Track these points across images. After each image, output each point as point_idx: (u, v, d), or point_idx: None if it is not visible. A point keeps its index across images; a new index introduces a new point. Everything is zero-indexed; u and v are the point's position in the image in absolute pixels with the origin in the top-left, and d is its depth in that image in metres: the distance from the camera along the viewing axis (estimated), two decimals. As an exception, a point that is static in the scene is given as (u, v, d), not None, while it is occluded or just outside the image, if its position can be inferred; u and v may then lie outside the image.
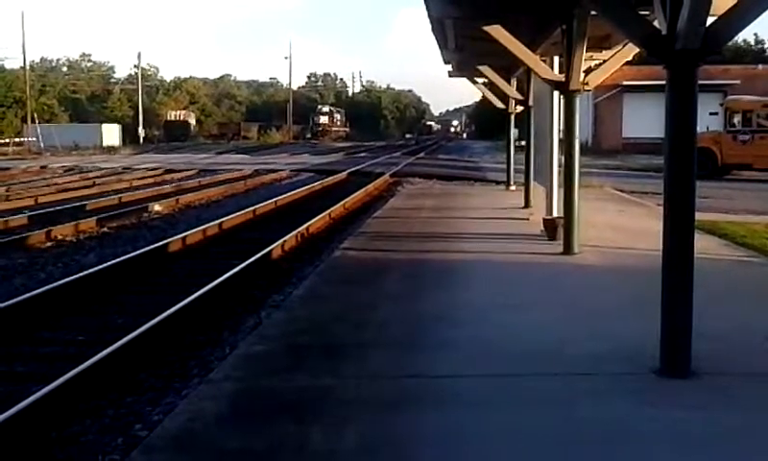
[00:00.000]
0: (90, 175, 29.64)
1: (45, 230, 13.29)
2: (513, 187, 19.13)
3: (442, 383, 5.09)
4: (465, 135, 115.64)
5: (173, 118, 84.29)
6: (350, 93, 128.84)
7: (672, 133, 5.05)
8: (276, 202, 18.36)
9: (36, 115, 64.96)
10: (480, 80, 19.18)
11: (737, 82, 40.69)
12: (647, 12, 6.11)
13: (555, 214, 10.98)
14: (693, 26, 4.74)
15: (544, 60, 11.19)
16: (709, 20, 4.87)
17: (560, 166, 10.80)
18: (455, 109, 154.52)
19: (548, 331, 6.24)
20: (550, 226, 10.78)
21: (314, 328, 6.40)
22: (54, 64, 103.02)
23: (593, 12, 8.31)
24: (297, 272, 10.31)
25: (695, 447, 4.10)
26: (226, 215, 15.33)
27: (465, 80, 19.36)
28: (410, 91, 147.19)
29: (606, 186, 20.06)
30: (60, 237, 13.15)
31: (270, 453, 4.05)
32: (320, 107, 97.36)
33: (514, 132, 19.95)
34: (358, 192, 20.59)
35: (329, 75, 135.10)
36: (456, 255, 10.02)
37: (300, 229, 13.25)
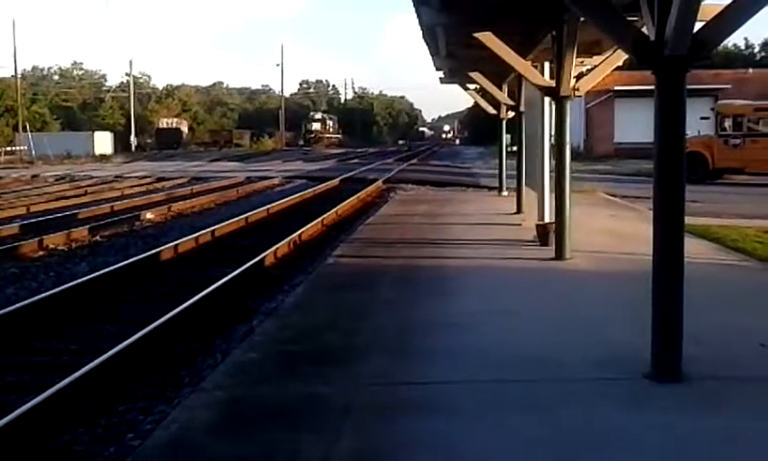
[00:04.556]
0: (82, 183, 29.57)
1: (37, 239, 13.25)
2: (505, 193, 19.17)
3: (435, 390, 5.09)
4: (457, 141, 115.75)
5: (165, 126, 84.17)
6: (343, 100, 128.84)
7: (661, 138, 5.07)
8: (268, 209, 18.35)
9: (27, 124, 64.82)
10: (472, 86, 19.24)
11: (728, 86, 40.83)
12: (636, 19, 6.13)
13: (547, 220, 11.00)
14: (681, 32, 4.76)
15: (535, 66, 11.23)
16: (698, 26, 4.91)
17: (551, 171, 10.83)
18: (447, 115, 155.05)
19: (540, 337, 6.26)
20: (542, 231, 10.79)
21: (306, 336, 6.39)
22: (45, 73, 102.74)
23: (583, 19, 8.35)
24: (289, 279, 10.29)
25: (686, 451, 4.11)
26: (218, 223, 15.32)
27: (457, 86, 19.43)
28: (402, 97, 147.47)
29: (598, 191, 20.11)
30: (51, 246, 13.11)
31: (262, 462, 4.05)
32: (312, 113, 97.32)
33: (506, 137, 20.00)
34: (351, 199, 20.59)
35: (321, 82, 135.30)
36: (449, 262, 10.03)
37: (292, 236, 13.25)
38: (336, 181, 27.96)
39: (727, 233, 12.03)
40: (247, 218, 16.48)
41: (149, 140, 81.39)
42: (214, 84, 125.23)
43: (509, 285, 8.62)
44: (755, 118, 26.76)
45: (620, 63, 10.21)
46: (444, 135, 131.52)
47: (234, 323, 8.04)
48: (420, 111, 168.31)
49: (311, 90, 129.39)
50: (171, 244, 12.52)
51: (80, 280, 9.56)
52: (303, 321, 6.99)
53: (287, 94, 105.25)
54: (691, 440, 4.23)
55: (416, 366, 5.60)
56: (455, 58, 13.91)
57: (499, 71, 14.73)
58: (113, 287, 9.55)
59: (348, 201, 19.95)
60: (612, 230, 12.71)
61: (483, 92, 19.10)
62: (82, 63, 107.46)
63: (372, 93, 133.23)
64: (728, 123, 26.74)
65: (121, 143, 74.08)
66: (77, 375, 5.89)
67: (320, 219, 15.79)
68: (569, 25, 9.08)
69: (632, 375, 5.13)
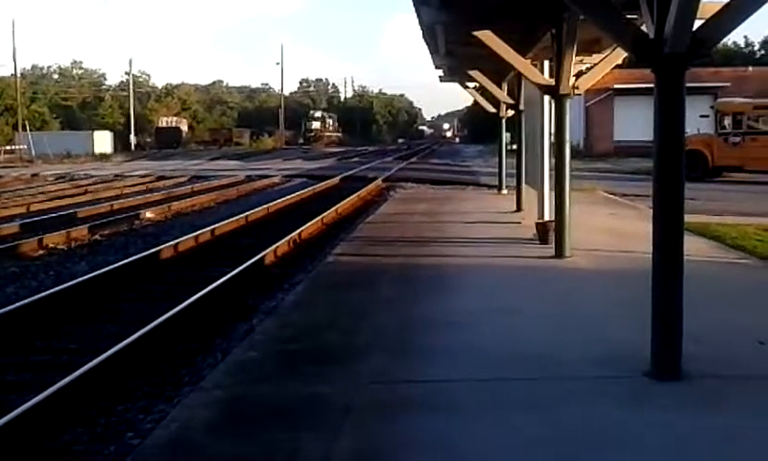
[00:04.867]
0: (82, 182, 29.57)
1: (37, 238, 13.25)
2: (505, 191, 19.17)
3: (436, 388, 5.09)
4: (457, 140, 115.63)
5: (165, 125, 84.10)
6: (343, 98, 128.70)
7: (660, 136, 5.07)
8: (268, 208, 18.35)
9: (27, 123, 64.81)
10: (471, 84, 19.23)
11: (728, 84, 40.80)
12: (635, 17, 6.12)
13: (546, 218, 11.01)
14: (680, 30, 4.76)
15: (535, 65, 11.23)
16: (697, 24, 4.90)
17: (551, 170, 10.83)
18: (447, 114, 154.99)
19: (540, 335, 6.26)
20: (542, 229, 10.80)
21: (306, 335, 6.39)
22: (45, 72, 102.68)
23: (582, 17, 8.34)
24: (289, 278, 10.29)
25: (686, 450, 4.11)
26: (218, 222, 15.33)
27: (456, 84, 19.42)
28: (402, 96, 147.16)
29: (597, 190, 20.11)
30: (51, 245, 13.11)
31: (262, 461, 4.06)
32: (312, 112, 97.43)
33: (505, 136, 20.00)
34: (351, 197, 20.59)
35: (321, 80, 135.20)
36: (449, 260, 10.03)
37: (292, 234, 13.24)
38: (336, 180, 27.97)
39: (726, 231, 12.02)
40: (247, 217, 16.48)
41: (148, 139, 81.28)
42: (214, 83, 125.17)
43: (509, 284, 8.61)
44: (754, 116, 26.75)
45: (620, 62, 10.21)
46: (443, 134, 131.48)
47: (234, 321, 8.04)
48: (420, 110, 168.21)
49: (311, 89, 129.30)
50: (171, 243, 12.52)
51: (79, 279, 9.56)
52: (303, 320, 7.00)
53: (287, 93, 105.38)
54: (691, 438, 4.23)
55: (416, 365, 5.60)
56: (455, 56, 13.91)
57: (499, 69, 14.72)
58: (113, 286, 9.54)
59: (347, 199, 19.95)
60: (611, 228, 12.71)
61: (482, 91, 19.10)
62: (81, 62, 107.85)
63: (372, 92, 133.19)
64: (727, 121, 26.74)
65: (121, 142, 74.02)
66: (76, 374, 5.89)
67: (319, 217, 15.79)
68: (569, 23, 9.08)
69: (632, 373, 5.13)
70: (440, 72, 17.68)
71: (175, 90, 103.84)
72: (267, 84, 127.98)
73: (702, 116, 26.65)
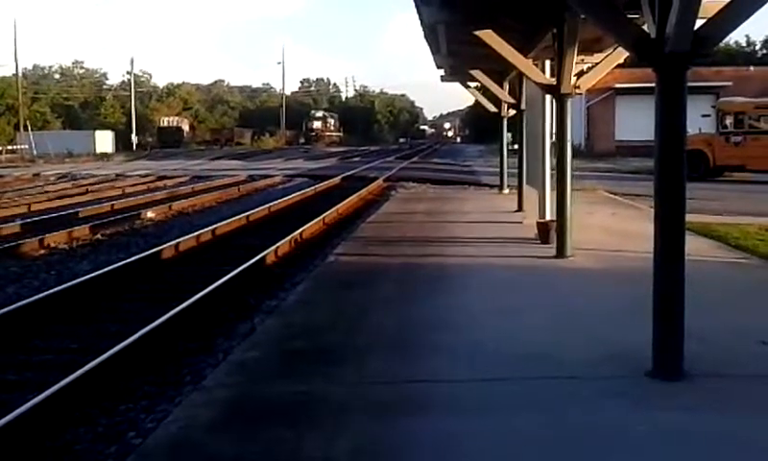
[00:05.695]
0: (83, 182, 29.59)
1: (38, 237, 13.26)
2: (506, 191, 19.16)
3: (437, 388, 5.09)
4: (458, 139, 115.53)
5: (166, 124, 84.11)
6: (344, 98, 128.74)
7: (662, 135, 5.07)
8: (269, 208, 18.35)
9: (28, 123, 64.92)
10: (473, 84, 19.24)
11: (729, 83, 40.76)
12: (636, 16, 6.12)
13: (548, 218, 11.00)
14: (682, 29, 4.76)
15: (536, 64, 11.22)
16: (698, 23, 4.90)
17: (552, 170, 10.83)
18: (449, 113, 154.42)
19: (541, 335, 6.25)
20: (543, 229, 10.79)
21: (308, 334, 6.39)
22: (46, 71, 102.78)
23: (584, 17, 8.34)
24: (290, 278, 10.29)
25: (687, 449, 4.11)
26: (219, 221, 15.33)
27: (458, 84, 19.43)
28: (403, 96, 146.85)
29: (599, 189, 20.10)
30: (53, 245, 13.12)
31: (264, 460, 4.05)
32: (313, 112, 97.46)
33: (507, 135, 19.98)
34: (352, 197, 20.59)
35: (322, 80, 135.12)
36: (450, 260, 10.03)
37: (293, 234, 13.25)
38: (337, 180, 27.96)
39: (728, 231, 12.02)
40: (248, 217, 16.49)
41: (150, 139, 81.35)
42: (215, 83, 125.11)
43: (510, 283, 8.61)
44: (756, 116, 26.72)
45: (621, 61, 10.21)
46: (445, 134, 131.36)
47: (236, 321, 8.04)
48: (422, 110, 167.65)
49: (312, 88, 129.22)
50: (172, 242, 12.52)
51: (81, 279, 9.57)
52: (305, 319, 7.00)
53: (288, 92, 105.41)
54: (693, 438, 4.22)
55: (417, 364, 5.59)
56: (456, 55, 13.91)
57: (500, 69, 14.74)
58: (114, 286, 9.55)
59: (348, 199, 19.95)
60: (612, 228, 12.70)
61: (484, 90, 19.13)
62: (83, 62, 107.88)
63: (373, 91, 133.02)
64: (729, 120, 26.71)
65: (122, 142, 74.10)
66: (78, 374, 5.89)
67: (321, 217, 15.78)
68: (570, 23, 9.08)
69: (633, 373, 5.13)
70: (441, 72, 17.69)
71: (176, 90, 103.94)
72: (268, 84, 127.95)
73: (703, 116, 26.64)
